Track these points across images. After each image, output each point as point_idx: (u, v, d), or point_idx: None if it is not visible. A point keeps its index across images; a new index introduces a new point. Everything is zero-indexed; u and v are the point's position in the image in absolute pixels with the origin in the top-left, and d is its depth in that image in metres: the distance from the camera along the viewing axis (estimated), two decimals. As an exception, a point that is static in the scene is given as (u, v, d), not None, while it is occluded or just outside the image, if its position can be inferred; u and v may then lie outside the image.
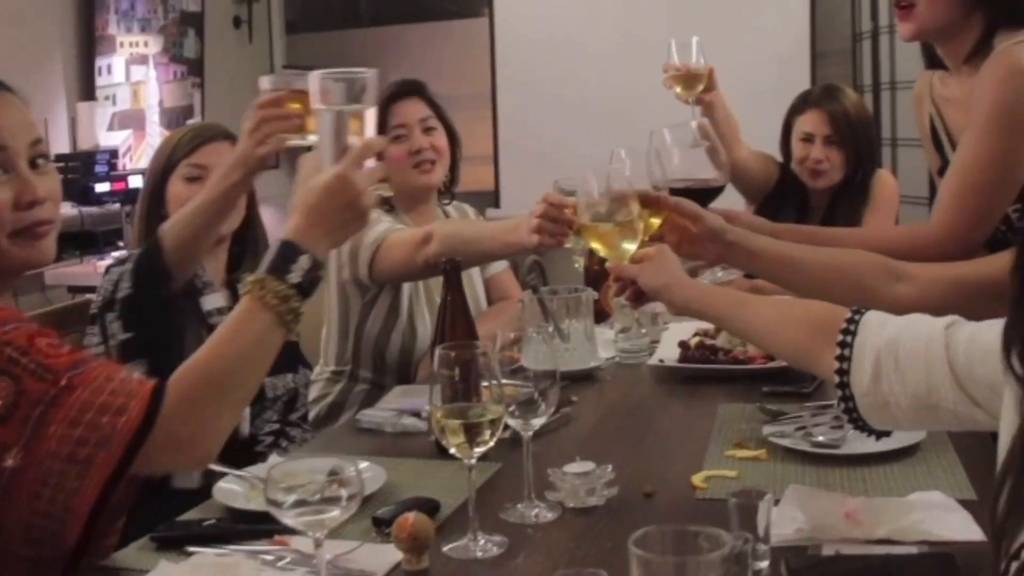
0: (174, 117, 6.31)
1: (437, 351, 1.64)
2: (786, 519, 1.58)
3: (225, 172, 2.32)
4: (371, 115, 1.75)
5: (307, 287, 1.66)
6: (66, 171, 5.31)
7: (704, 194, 2.25)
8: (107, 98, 5.84)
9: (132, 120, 6.01)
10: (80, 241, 5.27)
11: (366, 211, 1.73)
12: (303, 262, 1.64)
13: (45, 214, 1.67)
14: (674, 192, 2.13)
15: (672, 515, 1.73)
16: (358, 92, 1.72)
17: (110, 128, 5.84)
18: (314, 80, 1.73)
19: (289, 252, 1.65)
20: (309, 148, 2.24)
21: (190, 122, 6.42)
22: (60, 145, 5.56)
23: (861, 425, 1.64)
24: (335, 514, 1.43)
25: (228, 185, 2.33)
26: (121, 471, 1.48)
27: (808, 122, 3.61)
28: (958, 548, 1.50)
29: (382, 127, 3.04)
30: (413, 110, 3.07)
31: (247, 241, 2.71)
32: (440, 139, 3.08)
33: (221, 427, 1.60)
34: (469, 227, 3.03)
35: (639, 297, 2.05)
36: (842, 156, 3.56)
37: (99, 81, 5.79)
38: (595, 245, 2.09)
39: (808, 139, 3.60)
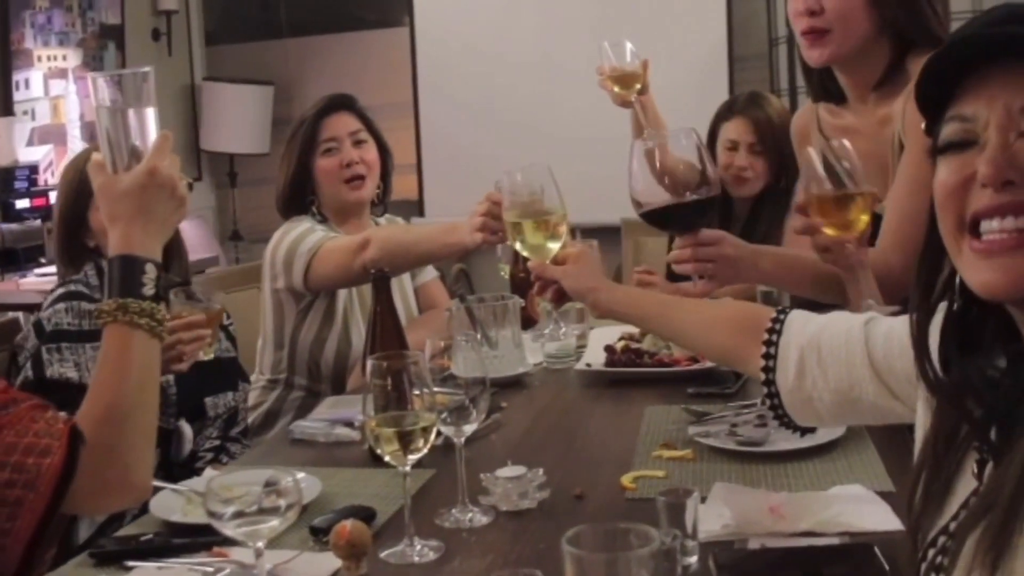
0: (95, 131, 6.24)
1: (369, 361, 1.67)
2: (713, 515, 1.63)
3: None
4: (152, 113, 1.69)
5: (162, 294, 1.68)
6: (-15, 187, 5.27)
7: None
8: (25, 113, 5.78)
9: (52, 135, 5.95)
10: (0, 258, 5.22)
11: (185, 198, 1.71)
12: (150, 271, 1.65)
13: None
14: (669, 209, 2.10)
15: (603, 515, 1.77)
16: (137, 91, 1.67)
17: (29, 143, 5.78)
18: (91, 82, 1.69)
19: (133, 267, 1.64)
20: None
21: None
22: (-22, 162, 5.50)
23: (786, 422, 1.69)
24: (274, 523, 1.46)
25: None
26: (52, 511, 1.50)
27: (733, 129, 3.67)
28: (878, 538, 1.55)
29: (313, 141, 3.08)
30: (343, 124, 3.11)
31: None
32: (370, 152, 3.12)
33: (143, 460, 1.61)
34: (407, 232, 3.07)
35: (561, 298, 2.08)
36: (765, 164, 3.62)
37: (16, 96, 5.72)
38: (518, 245, 2.12)
39: (733, 147, 3.66)
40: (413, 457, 1.66)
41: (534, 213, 2.07)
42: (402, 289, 3.21)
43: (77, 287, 2.53)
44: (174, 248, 2.73)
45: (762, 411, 2.12)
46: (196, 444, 2.57)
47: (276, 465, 2.13)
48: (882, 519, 1.62)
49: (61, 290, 2.53)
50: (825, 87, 2.47)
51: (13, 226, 5.29)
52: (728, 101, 3.89)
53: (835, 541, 1.57)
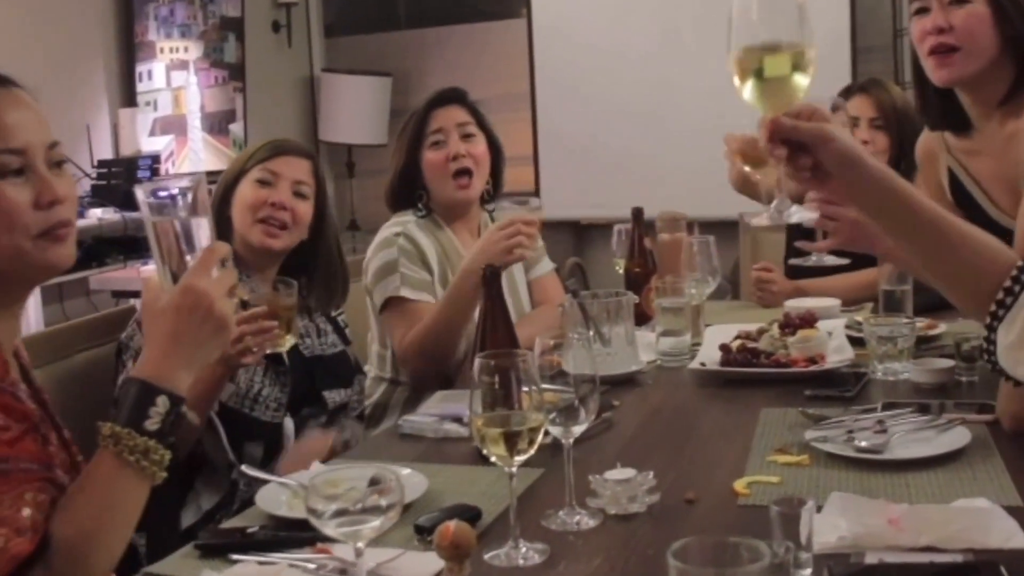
0: (216, 122, 6.36)
1: (477, 359, 1.63)
2: (828, 526, 1.56)
3: (211, 370, 2.28)
4: (204, 223, 1.61)
5: (169, 430, 1.54)
6: (109, 177, 5.37)
7: None
8: (148, 104, 5.89)
9: (174, 125, 6.06)
10: (123, 246, 5.31)
11: (225, 320, 1.58)
12: (161, 404, 1.53)
13: (66, 214, 1.62)
14: None
15: (714, 521, 1.72)
16: (187, 201, 1.59)
17: (152, 134, 5.89)
18: (138, 194, 1.60)
19: (144, 395, 1.53)
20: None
21: (232, 126, 6.46)
22: (103, 151, 5.62)
23: (999, 370, 1.65)
24: (376, 524, 1.44)
25: (216, 378, 2.33)
26: None
27: (854, 107, 3.62)
28: (1004, 557, 1.48)
29: (421, 133, 3.05)
30: (451, 116, 3.07)
31: (303, 263, 2.72)
32: (478, 146, 3.08)
33: None
34: (434, 320, 2.89)
35: (817, 174, 1.60)
36: (887, 140, 3.56)
37: (140, 87, 5.84)
38: (747, 90, 1.62)
39: (854, 123, 3.60)
40: (520, 458, 1.63)
41: (771, 44, 1.62)
42: (512, 283, 3.17)
43: None
44: (318, 251, 2.76)
45: (882, 416, 2.05)
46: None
47: (384, 460, 2.13)
48: (1009, 536, 1.54)
49: None
50: (944, 115, 2.47)
51: (135, 214, 5.37)
52: (849, 84, 3.87)
53: (958, 558, 1.49)
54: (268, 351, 2.30)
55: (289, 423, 2.56)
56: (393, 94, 6.95)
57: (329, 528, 1.43)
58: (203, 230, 1.61)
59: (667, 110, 6.14)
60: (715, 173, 5.78)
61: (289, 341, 2.34)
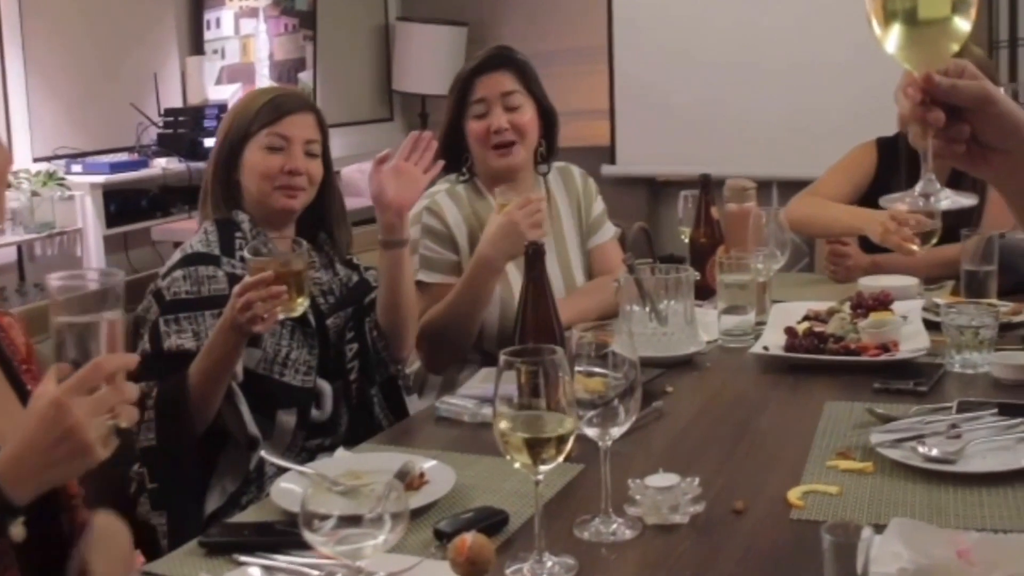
0: (285, 70, 6.24)
1: (501, 355, 1.48)
2: (888, 555, 1.39)
3: (223, 338, 2.20)
4: (105, 328, 1.43)
5: None
6: (175, 126, 5.30)
7: None
8: (216, 52, 5.80)
9: (241, 74, 5.97)
10: (189, 196, 5.24)
11: (87, 445, 1.40)
12: None
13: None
14: None
15: (763, 537, 1.57)
16: (96, 299, 1.43)
17: (219, 82, 5.80)
18: (49, 282, 1.45)
19: None
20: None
21: (302, 75, 6.34)
22: (171, 99, 5.54)
23: None
24: (378, 541, 1.31)
25: (230, 347, 2.22)
26: None
27: None
28: (1088, 597, 1.31)
29: (464, 100, 2.88)
30: (496, 84, 2.88)
31: (317, 213, 2.61)
32: (523, 116, 2.88)
33: None
34: (444, 308, 2.79)
35: (973, 147, 1.29)
36: None
37: (208, 35, 5.75)
38: (891, 40, 1.29)
39: None
40: (545, 467, 1.47)
41: None
42: (564, 257, 2.99)
43: (196, 247, 2.41)
44: (326, 207, 2.62)
45: (956, 419, 1.87)
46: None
47: (416, 447, 2.00)
48: (1096, 573, 1.37)
49: (178, 255, 2.41)
50: None
51: (201, 164, 5.29)
52: None
53: (1036, 597, 1.33)
54: (280, 317, 2.18)
55: (325, 385, 2.48)
56: (468, 44, 6.80)
57: (327, 547, 1.31)
58: (101, 335, 1.43)
59: (751, 62, 5.90)
60: (800, 129, 5.59)
61: (301, 305, 2.21)
